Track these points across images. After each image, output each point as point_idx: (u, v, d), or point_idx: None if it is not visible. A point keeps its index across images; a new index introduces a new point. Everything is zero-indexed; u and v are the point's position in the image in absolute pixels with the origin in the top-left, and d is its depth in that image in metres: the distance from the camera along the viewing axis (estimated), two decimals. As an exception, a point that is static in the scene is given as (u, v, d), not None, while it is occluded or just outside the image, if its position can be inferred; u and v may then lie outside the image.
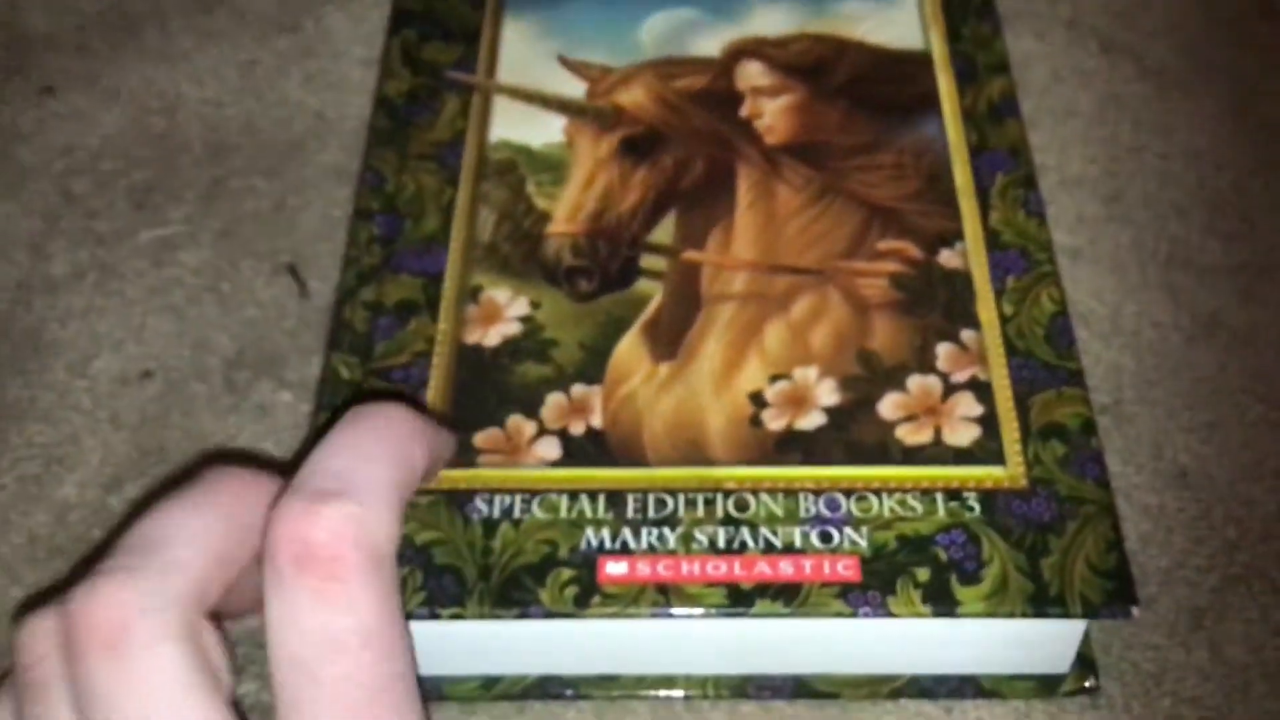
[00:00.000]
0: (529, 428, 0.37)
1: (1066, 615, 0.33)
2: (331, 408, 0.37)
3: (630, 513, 0.35)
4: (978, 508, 0.34)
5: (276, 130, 0.50)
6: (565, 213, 0.42)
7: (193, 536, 0.28)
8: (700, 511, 0.35)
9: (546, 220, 0.41)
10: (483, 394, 0.37)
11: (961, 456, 0.36)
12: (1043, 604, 0.33)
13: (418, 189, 0.42)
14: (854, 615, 0.33)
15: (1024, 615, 0.33)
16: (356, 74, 0.51)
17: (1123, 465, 0.40)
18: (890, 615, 0.33)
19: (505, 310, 0.39)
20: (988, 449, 0.36)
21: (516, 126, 0.44)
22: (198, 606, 0.27)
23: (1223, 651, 0.37)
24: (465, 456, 0.36)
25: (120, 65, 0.53)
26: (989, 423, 0.36)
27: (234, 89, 0.52)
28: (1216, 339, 0.43)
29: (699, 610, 0.33)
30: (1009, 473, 0.35)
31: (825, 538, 0.34)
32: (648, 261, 0.40)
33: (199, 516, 0.29)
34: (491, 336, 0.39)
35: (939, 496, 0.35)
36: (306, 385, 0.43)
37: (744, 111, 0.44)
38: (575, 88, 0.45)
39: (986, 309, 0.38)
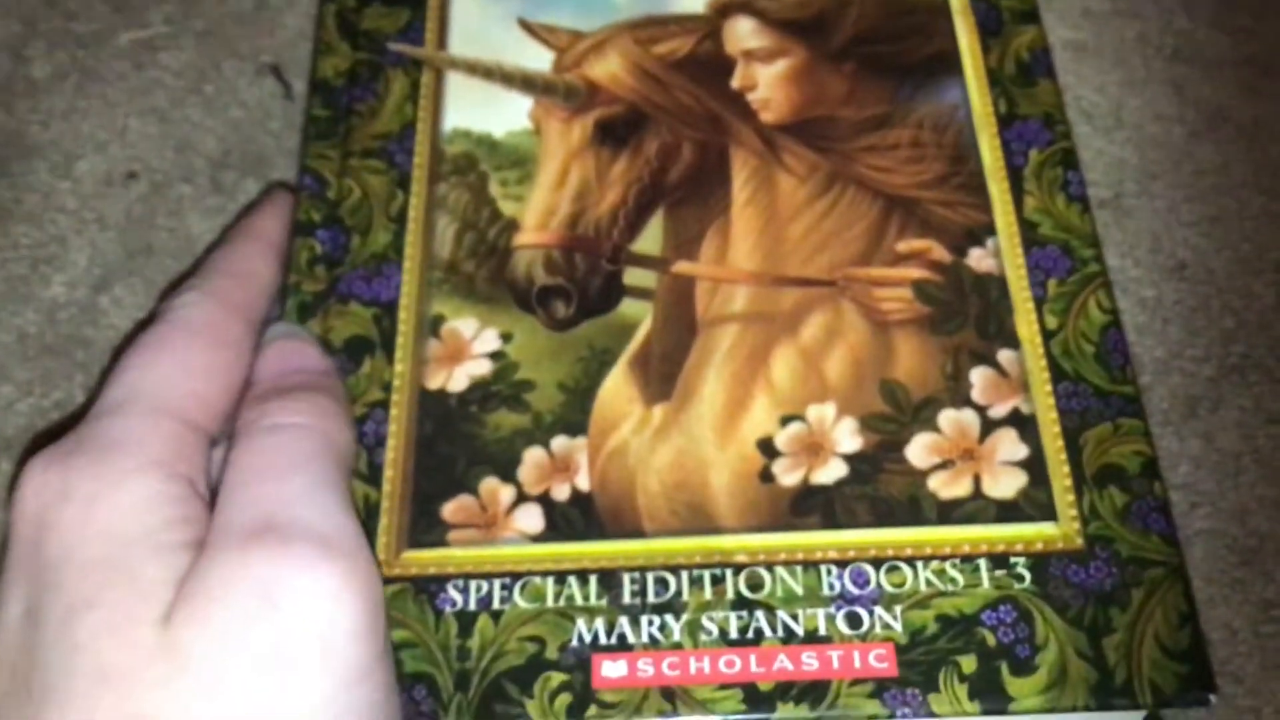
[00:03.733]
0: (506, 493, 0.32)
1: (1135, 707, 0.28)
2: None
3: (627, 597, 0.30)
4: (1028, 576, 0.30)
5: (258, -72, 0.47)
6: (535, 219, 0.36)
7: (170, 388, 0.30)
8: (708, 593, 0.30)
9: (514, 228, 0.36)
10: (451, 452, 0.32)
11: (1006, 511, 0.31)
12: (1108, 695, 0.28)
13: (364, 194, 0.36)
14: (891, 718, 0.28)
15: (1086, 709, 0.28)
16: None
17: (1121, 259, 0.40)
18: (933, 715, 0.28)
19: (471, 345, 0.34)
20: (1036, 501, 0.31)
21: (474, 110, 0.38)
22: (176, 456, 0.28)
23: (1216, 440, 0.37)
24: (434, 533, 0.31)
25: None
26: (1035, 467, 0.31)
27: (211, -117, 0.48)
28: (1220, 133, 0.43)
29: (712, 719, 0.28)
30: (1062, 530, 0.30)
31: (853, 621, 0.29)
32: (633, 277, 0.35)
33: (178, 365, 0.30)
34: (457, 379, 0.33)
35: (983, 563, 0.30)
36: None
37: (736, 82, 0.38)
38: (540, 57, 0.39)
39: (1026, 323, 0.33)
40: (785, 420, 0.32)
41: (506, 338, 0.34)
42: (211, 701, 0.24)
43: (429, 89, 0.38)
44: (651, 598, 0.30)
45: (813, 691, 0.29)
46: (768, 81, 0.38)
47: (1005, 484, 0.31)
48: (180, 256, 0.41)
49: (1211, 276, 0.40)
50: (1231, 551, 0.36)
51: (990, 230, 0.35)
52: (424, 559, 0.31)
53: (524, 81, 0.38)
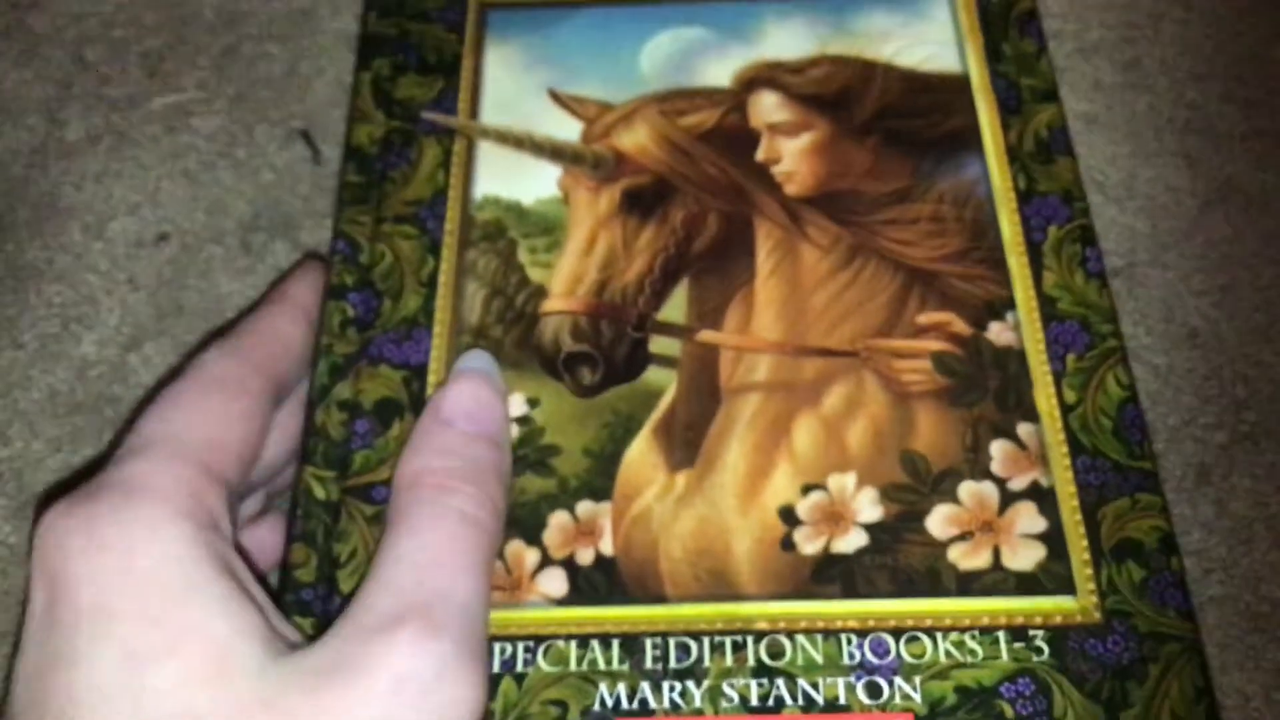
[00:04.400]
0: (531, 557, 0.32)
1: None
2: (307, 536, 0.32)
3: (649, 661, 0.30)
4: (1046, 649, 0.30)
5: (288, -4, 0.49)
6: (563, 285, 0.37)
7: (188, 434, 0.30)
8: (729, 659, 0.30)
9: (542, 295, 0.37)
10: (477, 515, 0.33)
11: (1025, 584, 0.31)
12: None
13: (395, 259, 0.37)
14: (910, 789, 0.29)
15: None
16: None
17: (1133, 327, 0.41)
18: None
19: (499, 409, 0.35)
20: (1054, 574, 0.31)
21: (504, 178, 0.39)
22: (198, 503, 0.29)
23: (1228, 507, 0.38)
24: (459, 595, 0.32)
25: (131, -69, 0.51)
26: (1054, 540, 0.32)
27: (245, -46, 0.49)
28: (1231, 204, 0.43)
29: None
30: (1080, 604, 0.31)
31: (873, 690, 0.30)
32: (658, 345, 0.36)
33: (196, 412, 0.31)
34: (484, 443, 0.34)
35: (1001, 636, 0.30)
36: (321, 247, 0.44)
37: (760, 154, 0.39)
38: (569, 127, 0.40)
39: (1045, 396, 0.34)
40: (806, 489, 0.33)
41: (533, 403, 0.35)
42: None
43: (460, 157, 0.39)
44: (673, 663, 0.30)
45: (832, 761, 0.29)
46: (792, 155, 0.39)
47: (1024, 556, 0.32)
48: (210, 317, 0.42)
49: (1223, 345, 0.41)
50: (1244, 618, 0.36)
51: (1010, 304, 0.35)
52: (449, 621, 0.31)
53: (553, 151, 0.39)
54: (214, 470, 0.30)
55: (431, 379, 0.35)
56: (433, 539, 0.29)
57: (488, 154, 0.39)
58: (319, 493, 0.33)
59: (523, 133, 0.40)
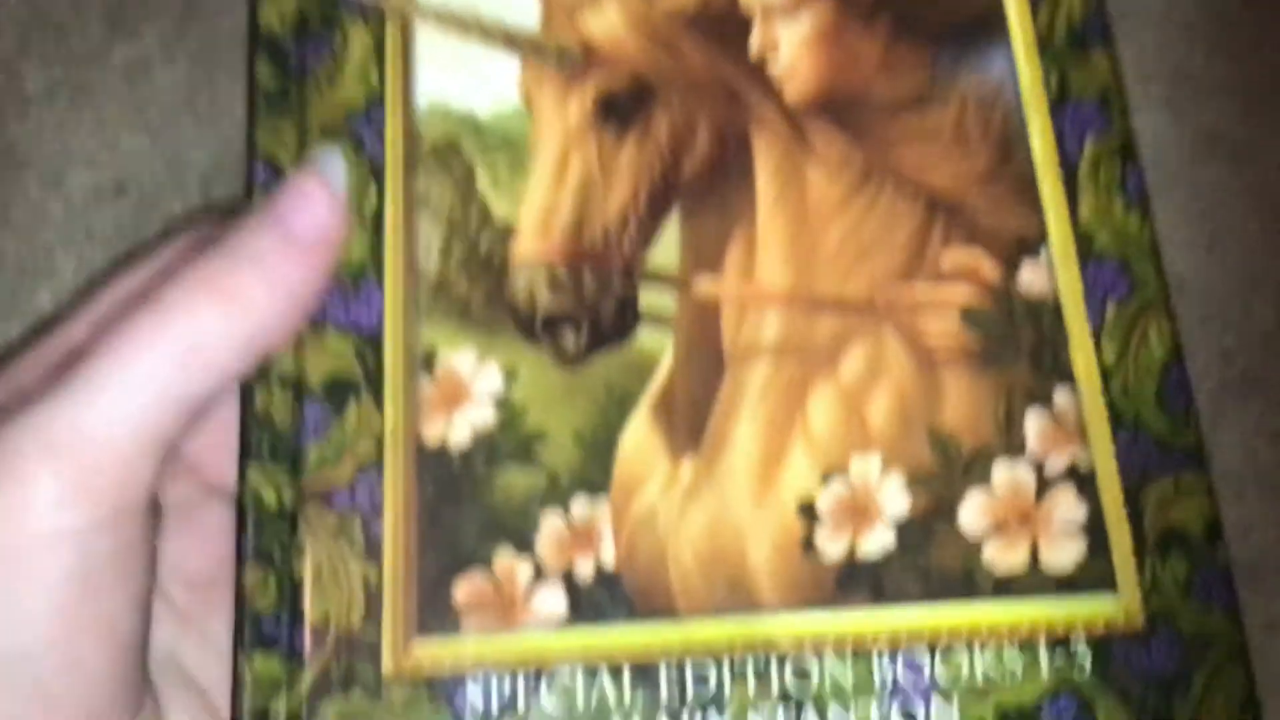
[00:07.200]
0: (524, 570, 0.29)
1: None
2: (260, 554, 0.28)
3: (664, 694, 0.28)
4: (1089, 664, 0.28)
5: (253, -55, 0.44)
6: (534, 223, 0.31)
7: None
8: (751, 686, 0.28)
9: (510, 234, 0.31)
10: (457, 520, 0.29)
11: (1065, 585, 0.29)
12: None
13: (331, 189, 0.31)
14: (951, 826, 0.27)
15: None
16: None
17: None
18: None
19: (471, 385, 0.30)
20: (1096, 572, 0.29)
21: (452, 78, 0.33)
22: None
23: (1217, 458, 0.37)
24: (447, 619, 0.28)
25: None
26: (1095, 531, 0.29)
27: (207, -100, 0.44)
28: (1217, 155, 0.42)
29: None
30: (1123, 605, 0.29)
31: (909, 716, 0.27)
32: (649, 299, 0.31)
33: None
34: (458, 429, 0.30)
35: (1041, 647, 0.28)
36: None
37: (754, 45, 0.33)
38: (526, 7, 0.33)
39: (1083, 354, 0.30)
40: (827, 476, 0.29)
41: (511, 375, 0.30)
42: None
43: (395, 47, 0.33)
44: (690, 692, 0.28)
45: (868, 798, 0.27)
46: (790, 43, 0.33)
47: (1064, 552, 0.29)
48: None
49: (1211, 294, 0.40)
50: (1235, 569, 0.35)
51: (1042, 240, 0.31)
52: (438, 652, 0.28)
53: (507, 39, 0.33)
54: None
55: (388, 346, 0.30)
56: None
57: (429, 42, 0.33)
58: (270, 500, 0.29)
59: (469, 14, 0.33)
